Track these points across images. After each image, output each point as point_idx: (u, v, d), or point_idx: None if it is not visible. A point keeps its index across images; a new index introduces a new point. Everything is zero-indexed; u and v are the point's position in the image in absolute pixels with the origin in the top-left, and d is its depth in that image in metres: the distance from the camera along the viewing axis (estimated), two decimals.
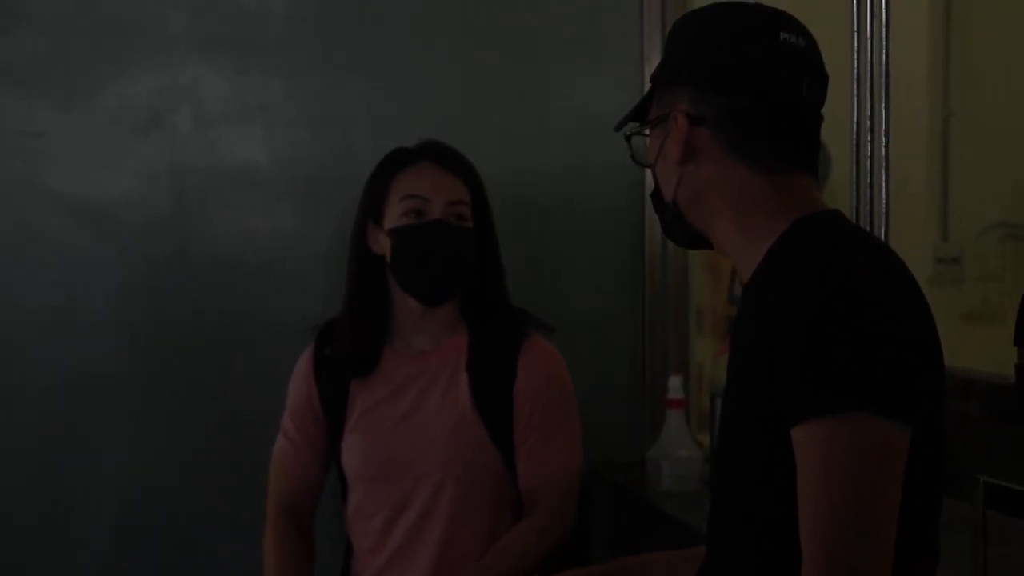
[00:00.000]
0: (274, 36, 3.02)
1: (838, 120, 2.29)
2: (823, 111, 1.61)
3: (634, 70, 3.14)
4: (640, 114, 1.69)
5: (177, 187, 2.99)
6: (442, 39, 3.09)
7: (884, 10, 2.32)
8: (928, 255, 3.14)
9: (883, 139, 2.33)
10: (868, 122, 2.33)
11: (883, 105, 2.33)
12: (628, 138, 1.72)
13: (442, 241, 2.31)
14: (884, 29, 2.32)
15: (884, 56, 2.32)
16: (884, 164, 2.33)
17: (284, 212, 3.04)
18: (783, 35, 1.58)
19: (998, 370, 2.08)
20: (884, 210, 2.33)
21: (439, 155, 2.38)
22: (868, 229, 2.25)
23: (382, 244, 2.36)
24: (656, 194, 1.68)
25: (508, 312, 2.42)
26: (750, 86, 1.56)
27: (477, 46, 3.11)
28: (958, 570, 1.91)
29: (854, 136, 2.35)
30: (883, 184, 2.33)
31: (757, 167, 1.56)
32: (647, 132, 1.67)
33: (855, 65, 2.34)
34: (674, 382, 2.97)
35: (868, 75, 2.34)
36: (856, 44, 2.34)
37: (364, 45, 3.06)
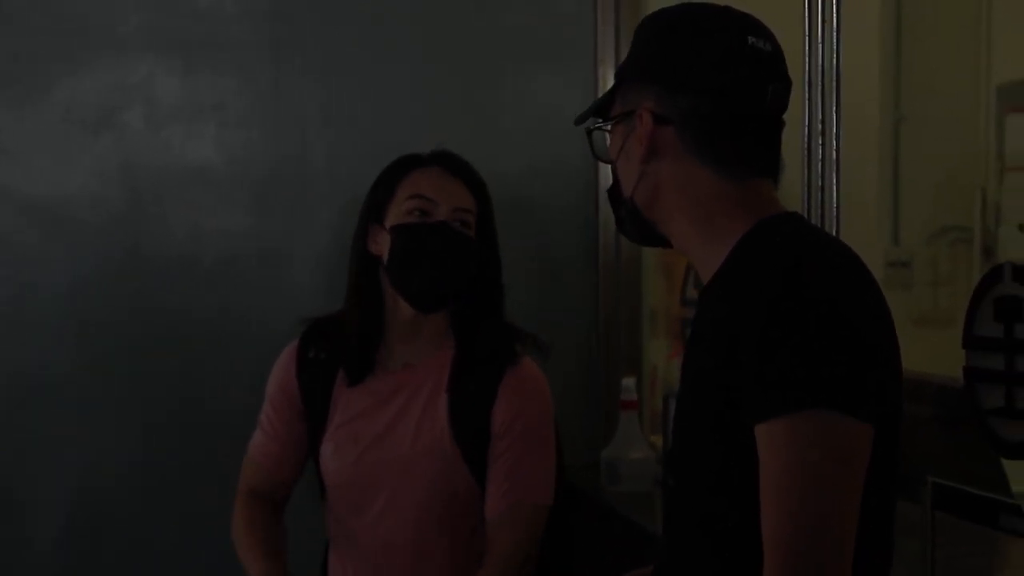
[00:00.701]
0: (227, 35, 3.01)
1: (790, 123, 2.29)
2: None
3: (588, 72, 3.15)
4: (602, 110, 1.68)
5: (129, 185, 2.97)
6: (397, 39, 3.09)
7: (835, 14, 2.34)
8: (879, 259, 3.16)
9: (834, 142, 2.34)
10: (820, 125, 2.34)
11: (834, 108, 2.34)
12: (589, 133, 1.71)
13: (443, 243, 2.25)
14: (835, 33, 2.34)
15: (835, 60, 2.34)
16: (835, 167, 2.34)
17: (237, 211, 3.03)
18: (751, 39, 1.58)
19: (948, 373, 2.10)
20: (835, 213, 2.35)
21: (451, 162, 2.32)
22: None
23: (381, 244, 2.29)
24: (614, 189, 1.68)
25: (500, 331, 2.34)
26: (716, 88, 1.56)
27: (432, 47, 3.12)
28: (907, 571, 1.92)
29: (805, 139, 2.37)
30: (834, 187, 2.35)
31: (719, 169, 1.57)
32: (608, 128, 1.67)
33: (807, 68, 2.35)
34: (627, 383, 2.98)
35: (820, 78, 2.35)
36: (808, 47, 2.36)
37: (318, 45, 3.06)
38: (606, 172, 3.10)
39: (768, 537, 1.40)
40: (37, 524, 2.94)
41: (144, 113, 2.98)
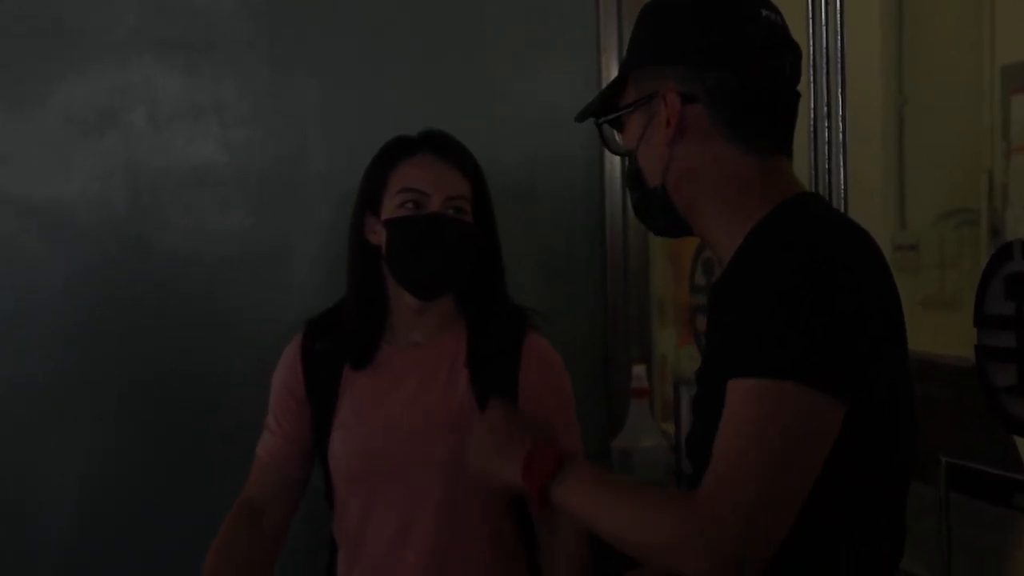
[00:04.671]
0: (225, 33, 3.00)
1: None
2: None
3: (591, 62, 3.15)
4: (611, 101, 1.66)
5: (131, 187, 2.96)
6: (397, 34, 3.09)
7: None
8: (886, 242, 3.14)
9: (840, 125, 2.34)
10: (825, 108, 2.34)
11: (839, 91, 2.34)
12: (600, 127, 1.69)
13: (439, 234, 2.24)
14: (839, 15, 2.33)
15: (839, 42, 2.33)
16: (842, 150, 2.34)
17: (240, 210, 3.02)
18: (764, 12, 1.58)
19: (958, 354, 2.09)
20: (843, 196, 2.34)
21: (441, 146, 2.30)
22: None
23: (379, 235, 2.29)
24: (637, 181, 1.64)
25: (507, 309, 2.35)
26: (741, 64, 1.55)
27: (432, 41, 3.11)
28: (921, 552, 1.91)
29: (811, 123, 2.36)
30: (841, 170, 2.34)
31: (746, 145, 1.56)
32: (623, 117, 1.64)
33: (810, 52, 2.35)
34: (638, 371, 2.98)
35: (824, 62, 2.35)
36: (811, 31, 2.35)
37: (317, 41, 3.05)
38: (611, 161, 3.10)
39: (717, 461, 1.41)
40: (40, 527, 2.93)
41: (146, 114, 2.97)
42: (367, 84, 3.07)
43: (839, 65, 2.33)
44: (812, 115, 2.36)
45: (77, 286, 2.93)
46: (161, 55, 2.97)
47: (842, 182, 2.33)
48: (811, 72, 2.34)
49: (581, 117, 1.72)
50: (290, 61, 3.04)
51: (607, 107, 1.67)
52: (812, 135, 2.36)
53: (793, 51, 1.60)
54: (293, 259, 3.04)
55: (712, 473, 1.41)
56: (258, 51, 3.03)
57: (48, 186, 2.93)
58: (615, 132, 1.69)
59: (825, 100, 2.34)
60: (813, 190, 2.36)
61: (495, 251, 2.35)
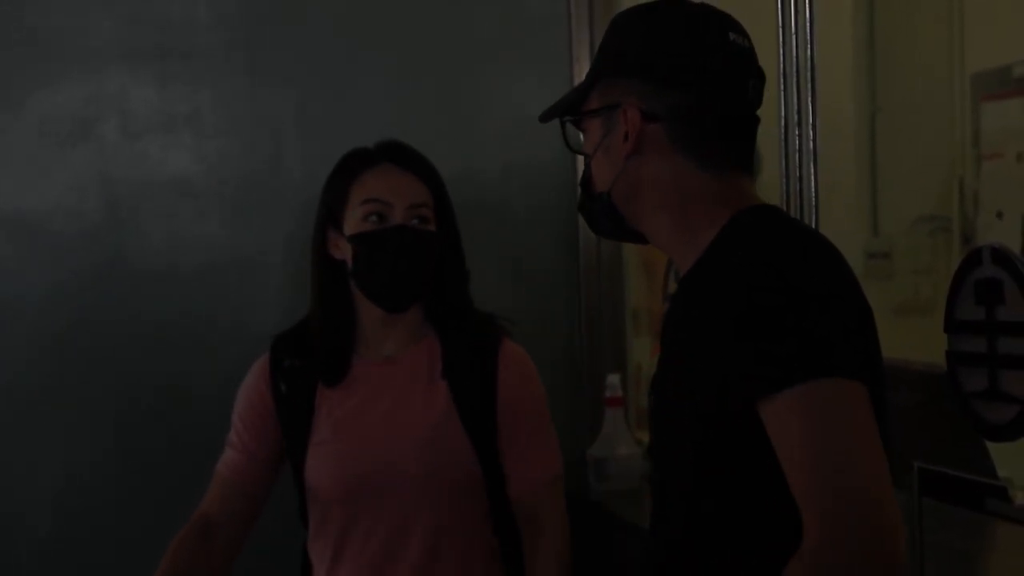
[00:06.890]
0: (200, 44, 2.99)
1: (766, 116, 2.30)
2: None
3: (563, 72, 3.16)
4: (576, 104, 1.68)
5: (106, 198, 2.95)
6: (371, 44, 3.08)
7: (808, 5, 2.34)
8: (858, 249, 3.17)
9: (811, 133, 2.35)
10: (796, 117, 2.35)
11: (810, 100, 2.35)
12: (563, 125, 1.71)
13: (405, 246, 2.22)
14: (809, 24, 2.34)
15: (810, 51, 2.35)
16: (813, 159, 2.35)
17: (215, 220, 3.01)
18: (731, 36, 1.60)
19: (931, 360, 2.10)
20: (814, 204, 2.35)
21: (399, 156, 2.29)
22: None
23: (343, 250, 2.27)
24: (586, 183, 1.68)
25: (475, 316, 2.33)
26: (702, 85, 1.57)
27: (406, 51, 3.11)
28: None
29: (782, 131, 2.37)
30: (812, 178, 2.35)
31: (703, 165, 1.58)
32: (584, 122, 1.67)
33: (781, 60, 2.36)
34: (612, 380, 2.98)
35: (794, 71, 2.36)
36: (782, 39, 2.36)
37: (292, 51, 3.04)
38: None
39: (806, 509, 1.36)
40: (18, 537, 2.91)
41: (119, 124, 2.96)
42: (342, 94, 3.07)
43: (809, 73, 2.34)
44: (783, 123, 2.37)
45: (53, 296, 2.92)
46: (135, 65, 2.97)
47: (813, 192, 2.34)
48: (781, 81, 2.35)
49: (546, 117, 1.74)
50: (265, 71, 3.04)
51: (573, 108, 1.69)
52: (783, 145, 2.37)
53: (757, 76, 1.62)
54: (269, 269, 3.03)
55: (808, 512, 1.35)
56: (233, 61, 3.02)
57: (23, 197, 2.92)
58: (580, 133, 1.71)
59: (796, 108, 2.35)
60: (784, 199, 2.37)
61: (459, 258, 2.34)
